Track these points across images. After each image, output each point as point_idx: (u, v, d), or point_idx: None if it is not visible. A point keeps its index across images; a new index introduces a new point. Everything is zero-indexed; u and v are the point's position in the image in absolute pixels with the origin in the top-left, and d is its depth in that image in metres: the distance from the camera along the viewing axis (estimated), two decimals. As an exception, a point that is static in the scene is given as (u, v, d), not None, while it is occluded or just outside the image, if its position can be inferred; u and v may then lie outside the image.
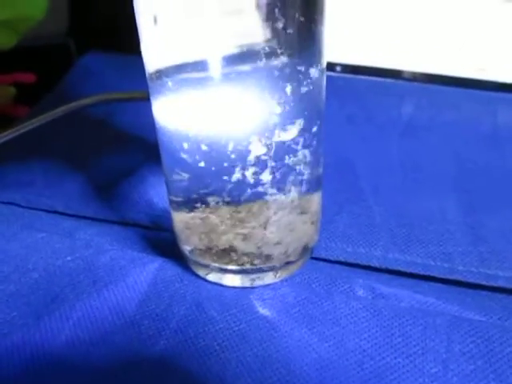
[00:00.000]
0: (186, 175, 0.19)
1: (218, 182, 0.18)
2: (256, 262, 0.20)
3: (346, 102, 0.38)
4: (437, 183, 0.30)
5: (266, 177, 0.18)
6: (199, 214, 0.20)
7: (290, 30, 0.16)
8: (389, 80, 0.41)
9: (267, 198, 0.19)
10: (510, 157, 0.33)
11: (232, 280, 0.21)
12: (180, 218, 0.21)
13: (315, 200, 0.21)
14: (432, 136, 0.35)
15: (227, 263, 0.20)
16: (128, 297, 0.21)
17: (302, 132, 0.18)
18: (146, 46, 0.18)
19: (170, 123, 0.19)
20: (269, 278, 0.21)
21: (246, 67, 0.16)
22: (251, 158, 0.18)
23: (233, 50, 0.16)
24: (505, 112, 0.37)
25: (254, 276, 0.21)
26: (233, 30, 0.16)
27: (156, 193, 0.28)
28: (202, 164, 0.18)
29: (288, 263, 0.21)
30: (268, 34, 0.16)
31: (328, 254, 0.24)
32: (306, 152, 0.19)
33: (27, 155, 0.32)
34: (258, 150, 0.18)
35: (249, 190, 0.19)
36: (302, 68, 0.17)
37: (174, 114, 0.18)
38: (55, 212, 0.28)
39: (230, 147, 0.18)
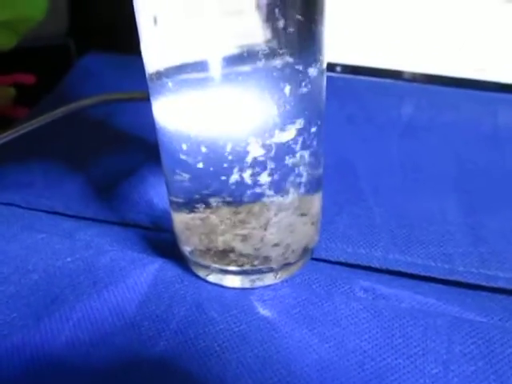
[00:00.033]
0: (186, 176, 0.19)
1: (217, 183, 0.18)
2: (255, 262, 0.20)
3: (345, 102, 0.38)
4: (437, 184, 0.30)
5: (264, 178, 0.18)
6: (199, 214, 0.20)
7: (290, 30, 0.16)
8: (389, 80, 0.41)
9: (266, 199, 0.19)
10: (510, 157, 0.33)
11: (232, 281, 0.21)
12: (180, 219, 0.21)
13: (315, 201, 0.21)
14: (432, 136, 0.35)
15: (227, 264, 0.20)
16: (128, 298, 0.21)
17: (301, 132, 0.18)
18: (145, 47, 0.18)
19: (170, 124, 0.19)
20: (269, 279, 0.21)
21: (246, 68, 0.16)
22: (249, 159, 0.18)
23: (233, 50, 0.16)
24: (505, 112, 0.37)
25: (254, 277, 0.21)
26: (233, 30, 0.16)
27: (156, 193, 0.27)
28: (200, 165, 0.18)
29: (288, 264, 0.21)
30: (268, 34, 0.16)
31: (328, 254, 0.24)
32: (306, 153, 0.19)
33: (27, 156, 0.32)
34: (256, 151, 0.18)
35: (248, 192, 0.19)
36: (302, 68, 0.17)
37: (174, 114, 0.18)
38: (55, 213, 0.28)
39: (228, 148, 0.18)
